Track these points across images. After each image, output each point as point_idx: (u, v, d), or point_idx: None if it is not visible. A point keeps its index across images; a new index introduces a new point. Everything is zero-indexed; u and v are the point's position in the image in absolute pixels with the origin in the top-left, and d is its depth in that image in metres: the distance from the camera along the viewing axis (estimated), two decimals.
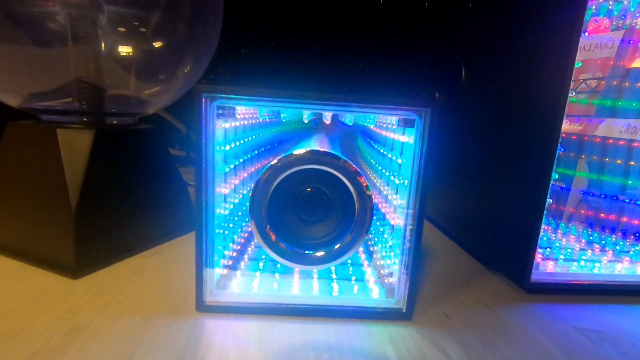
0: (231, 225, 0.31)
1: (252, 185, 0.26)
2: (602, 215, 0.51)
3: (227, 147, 0.28)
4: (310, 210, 0.28)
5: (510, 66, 0.38)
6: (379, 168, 0.36)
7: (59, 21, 0.35)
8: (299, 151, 0.26)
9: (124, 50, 0.37)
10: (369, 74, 0.87)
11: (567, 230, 0.49)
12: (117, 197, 0.36)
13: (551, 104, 0.31)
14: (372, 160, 0.40)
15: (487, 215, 0.41)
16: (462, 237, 0.47)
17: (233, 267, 0.30)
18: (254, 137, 0.36)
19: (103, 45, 0.36)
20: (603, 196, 0.50)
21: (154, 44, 0.37)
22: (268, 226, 0.26)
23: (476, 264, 0.41)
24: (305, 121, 0.42)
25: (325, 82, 0.85)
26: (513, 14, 0.39)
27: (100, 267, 0.34)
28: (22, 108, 0.37)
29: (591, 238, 0.45)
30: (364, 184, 0.26)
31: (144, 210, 0.39)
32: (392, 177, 0.30)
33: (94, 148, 0.34)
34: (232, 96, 0.25)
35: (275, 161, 0.26)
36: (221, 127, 0.27)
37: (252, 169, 0.38)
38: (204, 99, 0.25)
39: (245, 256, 0.34)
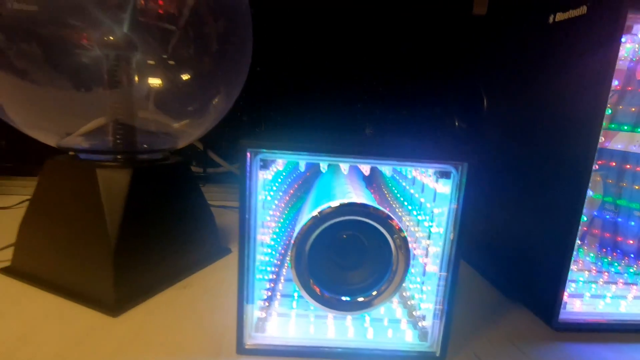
0: (269, 269, 0.32)
1: (294, 237, 0.27)
2: (619, 238, 0.51)
3: (269, 197, 0.28)
4: (348, 257, 0.29)
5: (538, 98, 0.39)
6: (406, 204, 0.37)
7: (96, 63, 0.36)
8: (337, 203, 0.27)
9: (157, 88, 0.38)
10: (389, 105, 0.88)
11: (585, 257, 0.49)
12: (152, 231, 0.37)
13: (583, 138, 0.31)
14: (397, 194, 0.40)
15: (511, 247, 0.42)
16: (483, 265, 0.47)
17: (268, 308, 0.31)
18: (288, 181, 0.37)
19: (137, 85, 0.37)
20: (619, 219, 0.51)
21: (185, 80, 0.38)
22: (311, 280, 0.27)
23: (499, 295, 0.42)
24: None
25: (350, 116, 0.86)
26: (542, 47, 0.40)
27: (138, 302, 0.35)
28: (59, 147, 0.38)
29: (612, 269, 0.45)
30: (402, 235, 0.27)
31: (177, 242, 0.40)
32: (425, 223, 0.31)
33: (131, 186, 0.35)
34: (274, 151, 0.26)
35: (315, 213, 0.27)
36: (262, 177, 0.27)
37: (280, 211, 0.39)
38: (248, 154, 0.26)
39: (278, 293, 0.34)
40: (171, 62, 0.37)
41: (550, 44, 0.40)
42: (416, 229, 0.34)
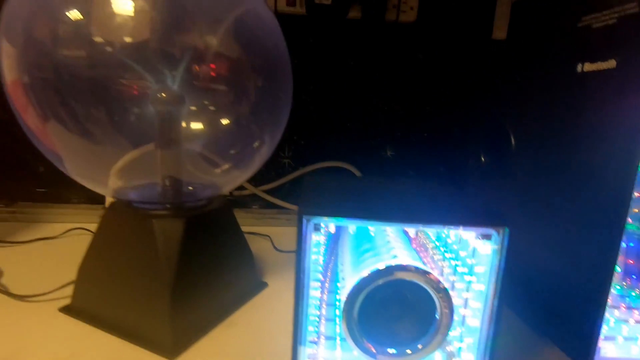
0: (316, 317, 0.34)
1: (345, 294, 0.29)
2: None
3: (320, 259, 0.31)
4: (392, 309, 0.31)
5: (568, 141, 0.40)
6: (442, 250, 0.39)
7: (148, 119, 0.39)
8: (383, 265, 0.29)
9: (205, 140, 0.41)
10: (409, 129, 0.90)
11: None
12: (203, 274, 0.40)
13: (619, 179, 0.33)
14: (435, 241, 0.42)
15: (543, 283, 0.43)
16: (515, 301, 0.48)
17: (317, 350, 0.33)
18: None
19: (185, 139, 0.40)
20: None
21: (231, 131, 0.41)
22: (361, 335, 0.29)
23: (526, 330, 0.43)
24: None
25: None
26: (571, 93, 0.41)
27: (191, 344, 0.38)
28: (114, 197, 0.41)
29: None
30: (448, 294, 0.29)
31: (222, 282, 0.43)
32: (465, 276, 0.32)
33: (184, 234, 0.38)
34: (327, 218, 0.28)
35: (366, 274, 0.29)
36: (314, 239, 0.30)
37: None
38: (304, 220, 0.28)
39: (322, 337, 0.36)
40: (218, 115, 0.40)
41: (580, 92, 0.41)
42: (454, 277, 0.35)
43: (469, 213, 0.29)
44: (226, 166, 0.41)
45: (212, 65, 0.36)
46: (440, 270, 0.35)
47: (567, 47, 0.43)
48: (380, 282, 0.29)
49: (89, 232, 0.64)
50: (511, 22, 0.88)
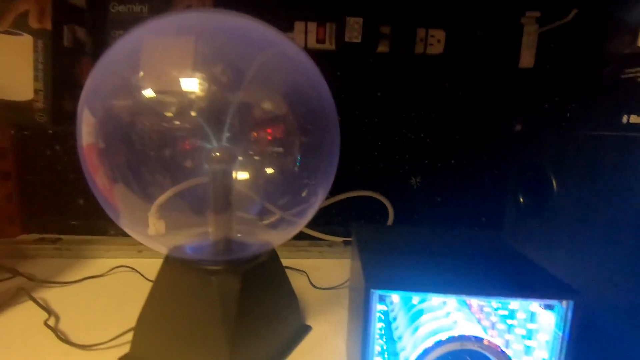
0: None
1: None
2: None
3: (383, 325, 0.32)
4: None
5: (617, 192, 0.40)
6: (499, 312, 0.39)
7: (203, 179, 0.40)
8: (446, 335, 0.29)
9: (258, 196, 0.42)
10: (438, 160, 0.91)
11: None
12: (259, 324, 0.41)
13: None
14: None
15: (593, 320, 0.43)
16: None
17: None
18: None
19: (238, 197, 0.41)
20: None
21: (282, 191, 0.42)
22: None
23: None
24: None
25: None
26: (616, 143, 0.42)
27: None
28: (169, 255, 0.43)
29: None
30: None
31: (274, 332, 0.44)
32: (524, 340, 0.33)
33: (242, 288, 0.39)
34: (392, 291, 0.29)
35: (430, 344, 0.29)
36: (379, 309, 0.31)
37: None
38: (372, 293, 0.29)
39: None
40: (271, 173, 0.41)
41: (626, 143, 0.41)
42: (509, 336, 0.36)
43: (531, 285, 0.29)
44: (279, 222, 0.42)
45: (269, 130, 0.38)
46: (493, 327, 0.35)
47: (612, 97, 0.44)
48: (442, 351, 0.29)
49: (133, 270, 0.66)
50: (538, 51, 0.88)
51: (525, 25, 0.83)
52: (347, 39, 0.76)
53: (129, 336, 0.43)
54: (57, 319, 0.51)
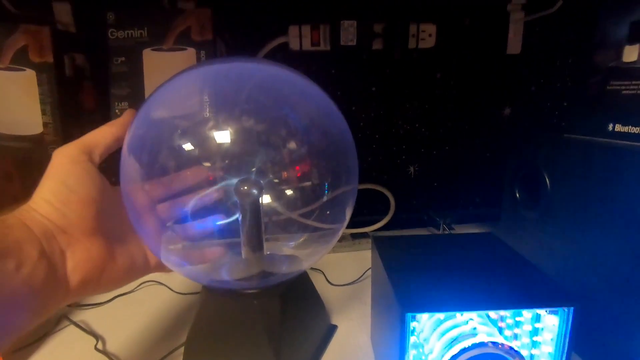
0: None
1: None
2: None
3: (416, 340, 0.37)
4: None
5: (610, 197, 0.45)
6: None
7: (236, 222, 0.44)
8: (469, 343, 0.35)
9: (293, 230, 0.46)
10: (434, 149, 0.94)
11: None
12: (297, 340, 0.46)
13: None
14: None
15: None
16: None
17: None
18: None
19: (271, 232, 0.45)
20: None
21: (308, 212, 0.46)
22: None
23: None
24: None
25: None
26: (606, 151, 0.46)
27: None
28: (208, 286, 0.47)
29: None
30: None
31: (309, 342, 0.49)
32: (532, 337, 0.39)
33: (281, 310, 0.44)
34: (423, 312, 0.34)
35: (456, 351, 0.35)
36: (412, 326, 0.36)
37: None
38: (407, 316, 0.34)
39: None
40: (299, 205, 0.45)
41: (612, 149, 0.46)
42: (518, 329, 0.42)
43: (538, 295, 0.35)
44: (309, 246, 0.46)
45: (297, 167, 0.41)
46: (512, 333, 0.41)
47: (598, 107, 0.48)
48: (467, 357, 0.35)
49: (160, 284, 0.70)
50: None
51: (511, 12, 0.86)
52: (342, 43, 0.77)
53: (178, 352, 0.48)
54: (104, 341, 0.55)
